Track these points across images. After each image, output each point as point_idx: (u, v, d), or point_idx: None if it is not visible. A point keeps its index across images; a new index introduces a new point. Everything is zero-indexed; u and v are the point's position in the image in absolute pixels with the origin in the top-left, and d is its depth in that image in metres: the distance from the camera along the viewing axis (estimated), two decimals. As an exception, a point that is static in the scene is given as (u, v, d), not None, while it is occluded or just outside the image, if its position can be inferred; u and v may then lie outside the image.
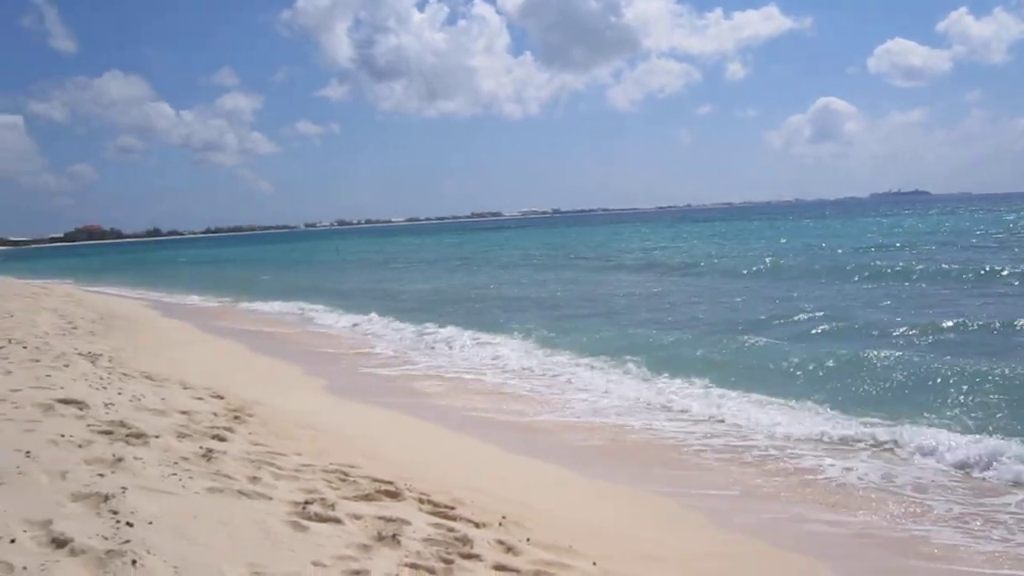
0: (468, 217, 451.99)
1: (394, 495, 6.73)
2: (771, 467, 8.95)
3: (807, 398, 11.37)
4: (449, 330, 19.34)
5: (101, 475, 6.08)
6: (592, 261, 46.67)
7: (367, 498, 6.60)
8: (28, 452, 6.41)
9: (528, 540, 6.07)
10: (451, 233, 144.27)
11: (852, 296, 23.21)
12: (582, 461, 9.24)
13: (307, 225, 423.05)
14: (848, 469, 8.72)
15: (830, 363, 13.41)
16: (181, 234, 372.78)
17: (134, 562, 4.54)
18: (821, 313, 19.03)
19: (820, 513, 7.63)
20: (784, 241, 53.79)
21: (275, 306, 29.10)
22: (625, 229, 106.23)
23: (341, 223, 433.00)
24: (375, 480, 7.07)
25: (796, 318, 18.85)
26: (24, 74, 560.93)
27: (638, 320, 20.59)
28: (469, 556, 5.52)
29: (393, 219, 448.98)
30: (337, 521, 5.84)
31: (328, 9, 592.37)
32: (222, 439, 8.03)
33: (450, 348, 17.49)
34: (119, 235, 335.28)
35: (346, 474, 7.23)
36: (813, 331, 17.21)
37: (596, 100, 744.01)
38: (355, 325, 22.35)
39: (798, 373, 13.13)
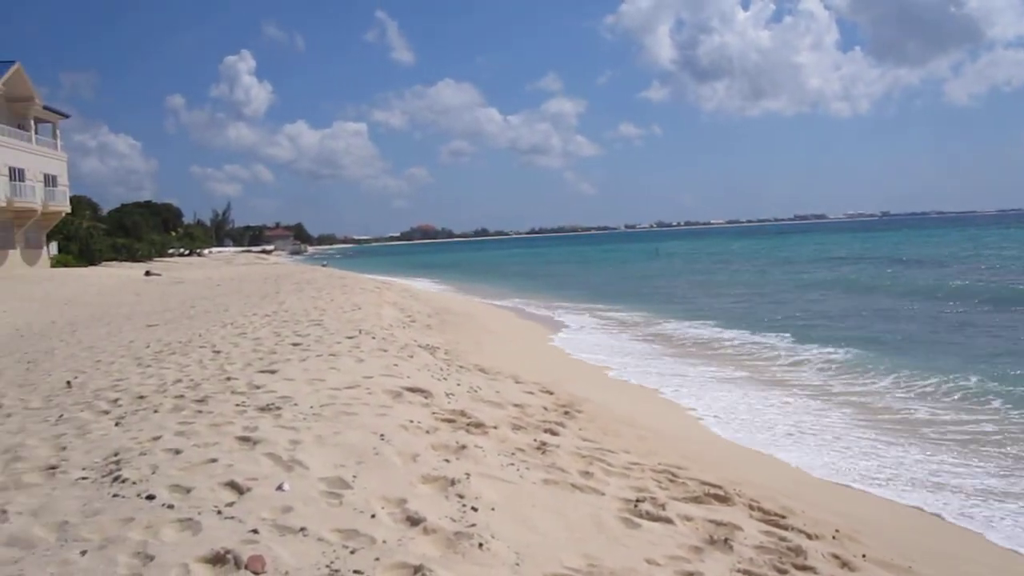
0: (790, 220, 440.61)
1: (723, 499, 6.65)
2: None
3: None
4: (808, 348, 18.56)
5: (447, 460, 6.47)
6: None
7: (696, 500, 6.56)
8: (383, 435, 6.95)
9: (864, 556, 5.79)
10: (778, 236, 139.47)
11: None
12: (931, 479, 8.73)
13: (627, 226, 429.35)
14: None
15: None
16: (507, 234, 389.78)
17: (480, 545, 4.79)
18: None
19: None
20: None
21: (612, 306, 29.68)
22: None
23: (660, 224, 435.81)
24: (703, 483, 7.01)
25: None
26: (368, 85, 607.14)
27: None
28: (803, 568, 5.34)
29: (712, 221, 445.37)
30: (668, 521, 5.85)
31: (651, 11, 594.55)
32: (554, 433, 8.29)
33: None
34: (450, 234, 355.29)
35: (674, 475, 7.23)
36: None
37: (932, 95, 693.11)
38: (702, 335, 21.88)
39: None
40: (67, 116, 66.16)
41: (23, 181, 54.80)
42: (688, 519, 5.95)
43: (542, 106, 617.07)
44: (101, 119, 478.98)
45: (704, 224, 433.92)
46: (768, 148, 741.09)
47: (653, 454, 8.12)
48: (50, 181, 59.43)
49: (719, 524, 5.90)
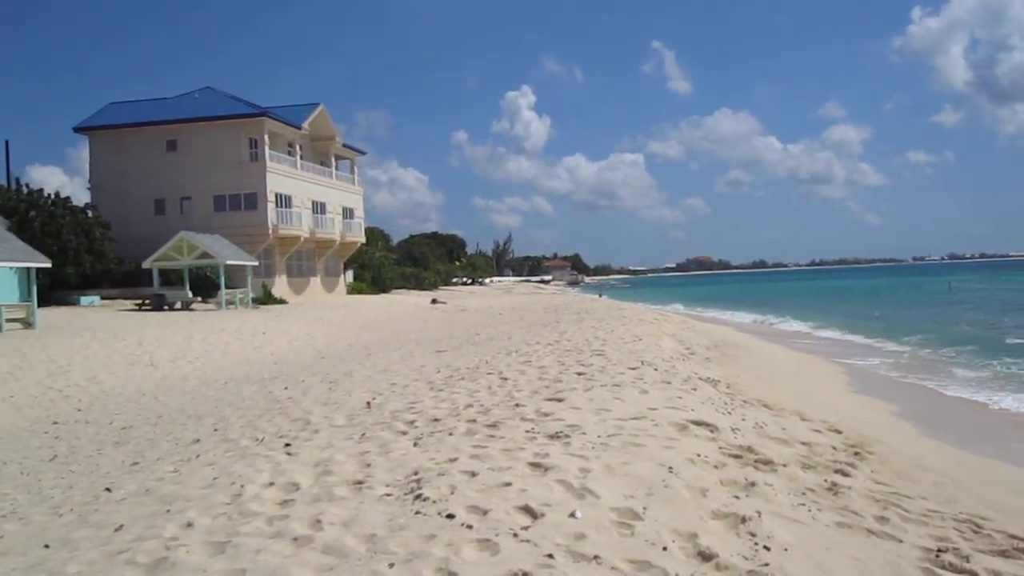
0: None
1: (1035, 555, 6.22)
2: None
3: None
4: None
5: (736, 497, 6.44)
6: None
7: (1003, 554, 6.15)
8: (671, 468, 6.99)
9: None
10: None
11: None
12: None
13: (915, 259, 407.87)
14: None
15: None
16: (785, 265, 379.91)
17: (775, 585, 4.75)
18: None
19: None
20: None
21: (899, 343, 28.24)
22: None
23: (952, 257, 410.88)
24: (1011, 536, 6.56)
25: None
26: (645, 116, 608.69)
27: None
28: None
29: (1011, 253, 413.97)
30: (973, 575, 5.55)
31: (943, 31, 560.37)
32: (845, 474, 8.03)
33: None
34: (727, 266, 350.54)
35: (978, 526, 6.82)
36: None
37: None
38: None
39: None
40: (363, 153, 71.21)
41: (324, 214, 59.37)
42: (996, 574, 5.61)
43: (823, 134, 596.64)
44: (392, 155, 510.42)
45: (1002, 256, 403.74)
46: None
47: (953, 502, 7.69)
48: (347, 214, 64.05)
49: (1032, 581, 5.54)
